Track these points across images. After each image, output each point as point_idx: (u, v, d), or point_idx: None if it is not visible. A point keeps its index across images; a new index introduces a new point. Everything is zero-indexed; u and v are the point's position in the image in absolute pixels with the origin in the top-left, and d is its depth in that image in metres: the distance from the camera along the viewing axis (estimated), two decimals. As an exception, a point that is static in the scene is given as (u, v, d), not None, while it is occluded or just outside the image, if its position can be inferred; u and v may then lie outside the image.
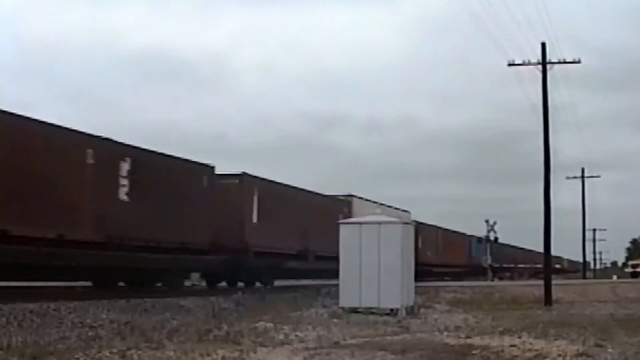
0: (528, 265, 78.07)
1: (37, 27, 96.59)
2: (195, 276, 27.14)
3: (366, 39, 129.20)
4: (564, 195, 64.56)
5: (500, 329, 13.65)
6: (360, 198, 37.10)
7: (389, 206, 40.02)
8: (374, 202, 37.33)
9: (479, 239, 60.43)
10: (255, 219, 27.68)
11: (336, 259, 31.34)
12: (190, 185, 24.30)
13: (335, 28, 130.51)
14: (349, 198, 36.43)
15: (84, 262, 19.89)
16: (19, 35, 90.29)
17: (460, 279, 52.55)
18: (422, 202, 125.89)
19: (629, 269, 67.30)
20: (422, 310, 19.03)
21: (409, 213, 42.73)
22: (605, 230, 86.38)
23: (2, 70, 72.62)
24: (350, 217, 32.59)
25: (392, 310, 17.20)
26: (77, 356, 9.15)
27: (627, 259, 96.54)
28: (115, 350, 9.50)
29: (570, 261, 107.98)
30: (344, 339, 11.71)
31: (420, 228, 44.21)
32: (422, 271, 42.80)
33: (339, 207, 35.18)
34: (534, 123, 27.36)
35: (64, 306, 15.07)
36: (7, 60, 79.14)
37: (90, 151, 19.73)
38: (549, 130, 26.00)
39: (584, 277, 62.43)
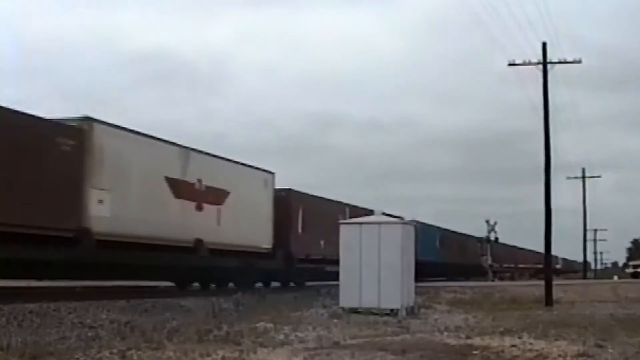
0: (528, 266, 78.03)
1: (37, 27, 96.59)
2: None
3: (366, 39, 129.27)
4: (565, 195, 64.66)
5: (501, 329, 13.63)
6: (110, 125, 21.41)
7: (221, 157, 26.98)
8: (143, 134, 22.96)
9: (479, 239, 60.36)
10: None
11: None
12: None
13: (335, 28, 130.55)
14: (85, 123, 20.29)
15: None
16: (19, 35, 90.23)
17: None
18: (422, 202, 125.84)
19: (630, 270, 67.39)
20: (422, 310, 19.01)
21: (272, 174, 30.50)
22: (606, 230, 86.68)
23: (2, 69, 72.52)
24: (84, 153, 19.69)
25: (392, 310, 17.18)
26: (77, 356, 9.13)
27: (628, 259, 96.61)
28: (115, 351, 9.48)
29: (565, 260, 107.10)
30: (344, 339, 11.69)
31: (301, 200, 32.50)
32: (302, 271, 32.96)
33: (51, 136, 18.84)
34: (535, 123, 27.37)
35: (64, 306, 15.07)
36: (7, 60, 79.00)
37: None
38: (550, 130, 25.95)
39: (585, 277, 62.40)
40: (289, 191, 31.64)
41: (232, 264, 26.82)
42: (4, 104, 17.73)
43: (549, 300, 24.16)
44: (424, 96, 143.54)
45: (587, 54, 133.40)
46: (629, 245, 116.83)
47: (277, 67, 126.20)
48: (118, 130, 21.60)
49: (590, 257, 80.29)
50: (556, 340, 11.71)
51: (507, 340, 11.61)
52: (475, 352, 10.44)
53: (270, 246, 29.47)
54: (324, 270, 31.95)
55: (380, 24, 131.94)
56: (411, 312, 17.87)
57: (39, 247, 18.01)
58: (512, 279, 66.00)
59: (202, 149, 25.85)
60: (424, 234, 45.80)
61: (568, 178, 61.59)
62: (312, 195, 33.98)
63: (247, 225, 27.80)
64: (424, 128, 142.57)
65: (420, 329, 14.03)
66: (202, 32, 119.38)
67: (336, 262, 18.73)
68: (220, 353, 9.55)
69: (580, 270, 76.66)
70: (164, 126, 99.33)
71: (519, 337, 12.00)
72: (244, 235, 27.38)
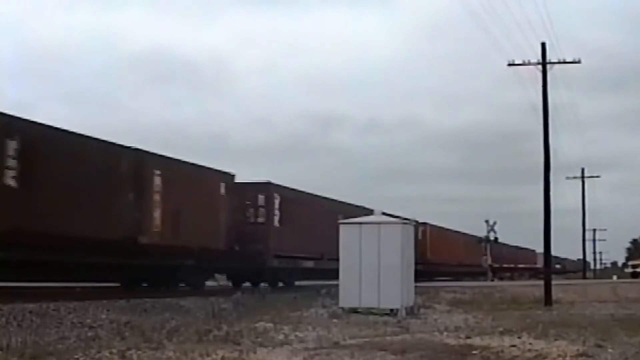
0: (528, 266, 78.08)
1: (38, 29, 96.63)
2: None
3: (366, 40, 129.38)
4: (564, 195, 64.51)
5: (500, 329, 13.63)
6: None
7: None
8: None
9: (479, 239, 60.36)
10: None
11: None
12: None
13: (335, 29, 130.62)
14: None
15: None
16: (21, 37, 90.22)
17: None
18: (422, 202, 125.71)
19: (629, 269, 67.31)
20: (422, 310, 19.00)
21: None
22: (605, 230, 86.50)
23: (4, 71, 72.50)
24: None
25: (392, 310, 17.18)
26: (76, 356, 9.13)
27: (627, 259, 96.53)
28: (114, 351, 9.48)
29: (564, 260, 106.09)
30: (344, 339, 11.69)
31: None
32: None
33: None
34: (534, 123, 27.33)
35: (64, 306, 15.05)
36: (8, 62, 79.04)
37: None
38: (549, 130, 25.95)
39: (584, 277, 62.41)
40: None
41: None
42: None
43: (548, 300, 24.16)
44: (424, 96, 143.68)
45: (587, 54, 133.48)
46: (629, 245, 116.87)
47: (277, 68, 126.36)
48: None
49: (589, 257, 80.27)
50: (556, 340, 11.71)
51: (507, 340, 11.61)
52: (475, 352, 10.44)
53: None
54: None
55: (380, 25, 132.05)
56: (411, 312, 17.86)
57: None
58: (511, 278, 66.04)
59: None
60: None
61: (567, 178, 61.55)
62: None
63: None
64: (424, 128, 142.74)
65: (420, 329, 14.03)
66: (203, 33, 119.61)
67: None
68: (220, 353, 9.55)
69: (578, 270, 76.64)
70: (165, 127, 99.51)
71: (518, 337, 12.00)
72: None
